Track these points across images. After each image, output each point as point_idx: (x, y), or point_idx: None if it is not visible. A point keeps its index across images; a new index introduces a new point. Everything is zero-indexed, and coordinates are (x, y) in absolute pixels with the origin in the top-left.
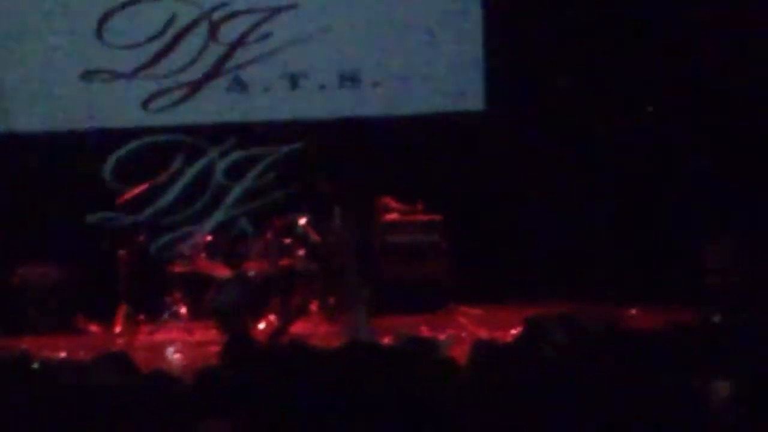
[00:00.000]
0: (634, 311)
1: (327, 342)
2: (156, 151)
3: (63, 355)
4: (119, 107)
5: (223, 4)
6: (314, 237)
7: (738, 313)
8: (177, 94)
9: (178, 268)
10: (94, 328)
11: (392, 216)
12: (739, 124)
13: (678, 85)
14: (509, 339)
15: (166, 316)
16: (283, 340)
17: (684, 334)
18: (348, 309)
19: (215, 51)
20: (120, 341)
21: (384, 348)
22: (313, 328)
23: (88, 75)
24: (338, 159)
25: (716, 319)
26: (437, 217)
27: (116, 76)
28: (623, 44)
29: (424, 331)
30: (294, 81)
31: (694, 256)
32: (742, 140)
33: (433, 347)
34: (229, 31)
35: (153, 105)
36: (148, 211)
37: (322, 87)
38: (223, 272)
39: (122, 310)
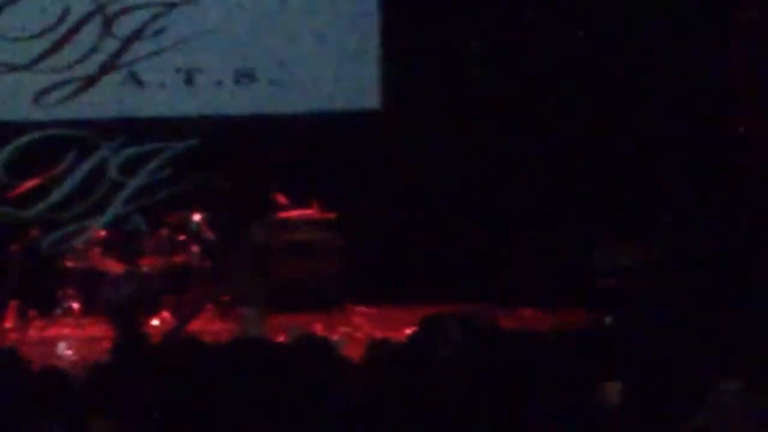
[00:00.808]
0: (528, 312)
1: (219, 339)
2: (49, 146)
3: None
4: (11, 100)
5: None
6: (208, 234)
7: (629, 316)
8: (70, 88)
9: (70, 264)
10: None
11: (287, 213)
12: (631, 126)
13: (573, 89)
14: (404, 338)
15: (58, 311)
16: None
17: (575, 336)
18: (242, 306)
19: (110, 45)
20: (11, 336)
21: (276, 345)
22: (206, 325)
23: None
24: (233, 156)
25: (608, 321)
26: (332, 215)
27: (9, 68)
28: (522, 38)
29: (319, 330)
30: (189, 77)
31: (587, 257)
32: (635, 143)
33: (327, 346)
34: (124, 25)
35: (46, 99)
36: (41, 206)
37: (218, 83)
38: (116, 268)
39: (13, 306)
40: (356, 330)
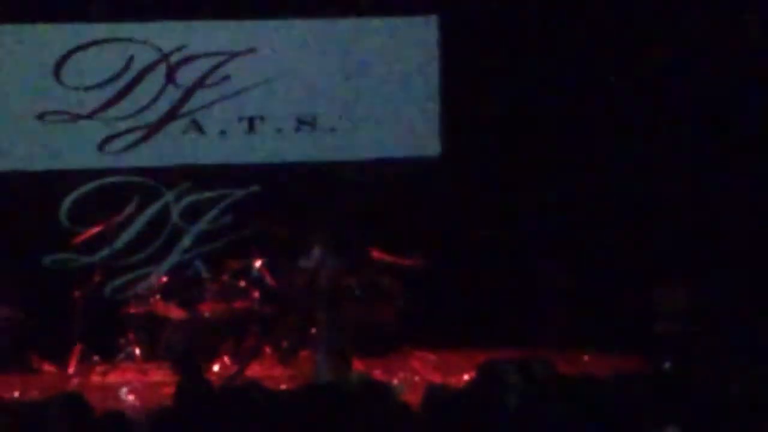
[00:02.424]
0: (586, 357)
1: (279, 385)
2: (112, 193)
3: (16, 394)
4: (76, 148)
5: (181, 47)
6: (269, 280)
7: (689, 360)
8: (133, 136)
9: (132, 309)
10: (48, 367)
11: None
12: (688, 168)
13: (632, 130)
14: (463, 384)
15: (120, 356)
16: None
17: (634, 381)
18: (321, 352)
19: (173, 93)
20: (74, 381)
21: (339, 391)
22: (266, 371)
23: (45, 116)
24: (294, 203)
25: (667, 366)
26: (392, 260)
27: (73, 117)
28: (582, 82)
29: (378, 375)
30: (251, 124)
31: (645, 302)
32: (691, 187)
33: (387, 391)
34: (187, 74)
35: (109, 147)
36: (104, 252)
37: (279, 131)
38: (177, 314)
39: (77, 351)
40: (415, 375)
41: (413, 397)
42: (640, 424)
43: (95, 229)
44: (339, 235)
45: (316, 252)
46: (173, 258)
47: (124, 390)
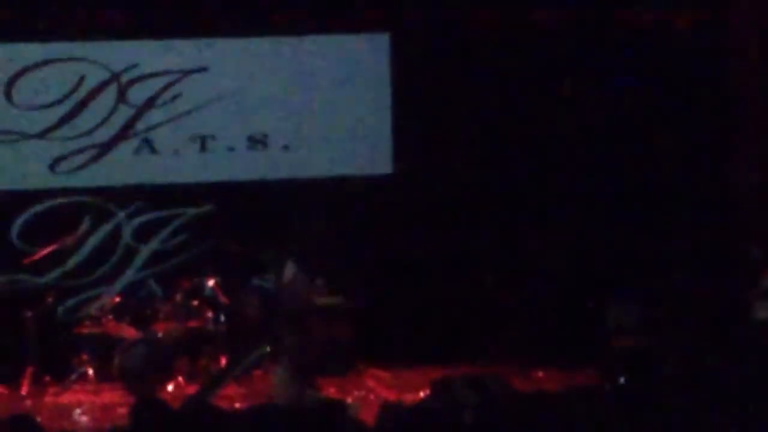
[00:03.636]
0: (540, 373)
1: (233, 404)
2: (64, 213)
3: None
4: (27, 168)
5: (133, 66)
6: (223, 299)
7: (644, 374)
8: (85, 156)
9: (85, 330)
10: (0, 389)
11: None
12: (641, 186)
13: (586, 152)
14: (417, 401)
15: (73, 377)
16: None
17: (588, 396)
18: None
19: (124, 113)
20: (27, 403)
21: (294, 410)
22: (221, 390)
23: None
24: (246, 222)
25: (621, 380)
26: (345, 279)
27: (24, 137)
28: (536, 100)
29: (333, 393)
30: (203, 143)
31: (598, 317)
32: (645, 202)
33: (343, 409)
34: (138, 93)
35: (61, 167)
36: (56, 273)
37: (231, 149)
38: (130, 334)
39: (29, 372)
40: (370, 393)
41: (368, 415)
42: None
43: (47, 250)
44: (309, 253)
45: (288, 270)
46: (126, 278)
47: (78, 411)
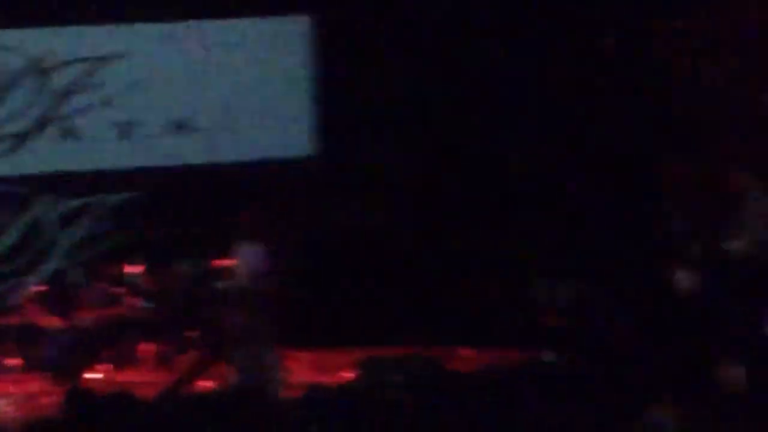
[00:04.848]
0: (466, 351)
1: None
2: None
3: None
4: None
5: (52, 53)
6: (148, 285)
7: (571, 352)
8: (6, 144)
9: (8, 320)
10: None
11: (224, 261)
12: (569, 166)
13: (511, 134)
14: (341, 382)
15: None
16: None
17: (513, 374)
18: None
19: (44, 100)
20: None
21: (211, 394)
22: (145, 377)
23: None
24: (171, 207)
25: (549, 357)
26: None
27: None
28: (456, 92)
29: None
30: (125, 129)
31: (525, 296)
32: (573, 183)
33: (263, 392)
34: (59, 80)
35: None
36: None
37: (153, 135)
38: (54, 322)
39: None
40: (294, 375)
41: (292, 398)
42: (522, 416)
43: None
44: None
45: (245, 252)
46: (48, 266)
47: (2, 402)
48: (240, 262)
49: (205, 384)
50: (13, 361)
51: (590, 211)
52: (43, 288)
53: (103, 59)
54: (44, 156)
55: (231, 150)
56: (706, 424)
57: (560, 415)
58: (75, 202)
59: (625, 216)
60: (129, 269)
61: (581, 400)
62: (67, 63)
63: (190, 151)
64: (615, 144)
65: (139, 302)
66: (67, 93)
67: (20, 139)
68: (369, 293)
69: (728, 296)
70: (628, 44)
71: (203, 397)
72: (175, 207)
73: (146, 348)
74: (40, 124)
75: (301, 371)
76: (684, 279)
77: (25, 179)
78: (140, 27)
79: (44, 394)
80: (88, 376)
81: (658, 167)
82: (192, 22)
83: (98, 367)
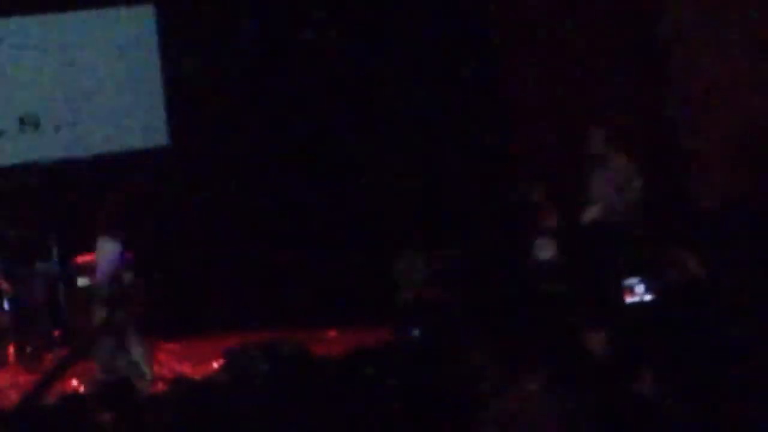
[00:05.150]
0: (331, 333)
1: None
2: None
3: None
4: None
5: None
6: (5, 286)
7: (435, 326)
8: None
9: None
10: None
11: (84, 257)
12: (422, 140)
13: (351, 115)
14: (211, 372)
15: None
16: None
17: (377, 353)
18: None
19: None
20: None
21: (78, 395)
22: (11, 379)
23: None
24: (26, 205)
25: (414, 333)
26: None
27: None
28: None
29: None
30: None
31: (386, 272)
32: (427, 159)
33: (131, 388)
34: None
35: None
36: None
37: (1, 132)
38: None
39: None
40: (162, 367)
41: (161, 390)
42: (389, 397)
43: None
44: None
45: (104, 246)
46: None
47: None
48: (99, 257)
49: (71, 383)
50: None
51: (447, 181)
52: None
53: None
54: None
55: (84, 144)
56: (571, 392)
57: (428, 390)
58: None
59: (483, 186)
60: None
61: (450, 374)
62: None
63: (41, 147)
64: (469, 112)
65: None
66: None
67: None
68: (232, 280)
69: (586, 263)
70: None
71: (67, 398)
72: (31, 205)
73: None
74: None
75: (171, 363)
76: (543, 247)
77: None
78: None
79: None
80: None
81: (513, 136)
82: (39, 16)
83: None
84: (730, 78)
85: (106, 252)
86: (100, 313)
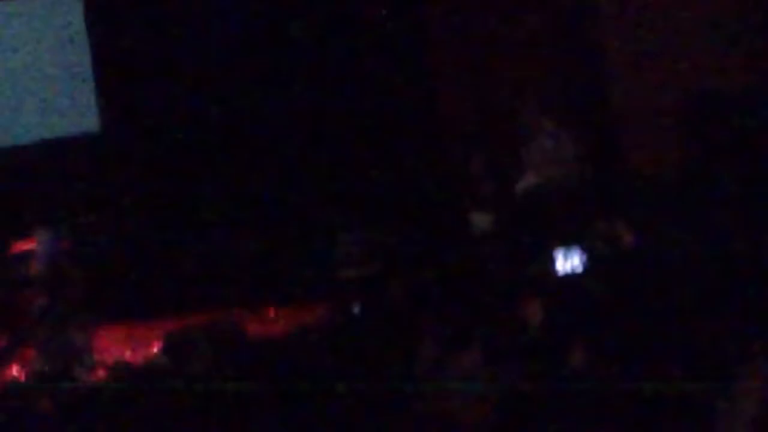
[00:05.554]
0: (271, 313)
1: None
2: None
3: None
4: None
5: None
6: None
7: (373, 302)
8: None
9: None
10: None
11: (21, 245)
12: (366, 115)
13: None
14: (153, 357)
15: None
16: None
17: (319, 331)
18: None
19: None
20: None
21: (17, 383)
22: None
23: None
24: None
25: (355, 310)
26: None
27: None
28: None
29: None
30: None
31: (326, 248)
32: (369, 133)
33: (72, 375)
34: None
35: None
36: None
37: None
38: None
39: None
40: (102, 353)
41: (102, 375)
42: (330, 373)
43: None
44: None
45: (41, 233)
46: None
47: None
48: (37, 243)
49: (11, 371)
50: None
51: (382, 156)
52: None
53: None
54: None
55: (15, 132)
56: (510, 364)
57: (368, 367)
58: None
59: (418, 159)
60: None
61: (393, 349)
62: None
63: None
64: (405, 87)
65: None
66: None
67: None
68: (168, 262)
69: (522, 235)
70: None
71: (9, 387)
72: None
73: None
74: None
75: (111, 348)
76: (480, 219)
77: None
78: None
79: None
80: None
81: (448, 108)
82: None
83: None
84: (663, 45)
85: (43, 239)
86: (40, 300)
